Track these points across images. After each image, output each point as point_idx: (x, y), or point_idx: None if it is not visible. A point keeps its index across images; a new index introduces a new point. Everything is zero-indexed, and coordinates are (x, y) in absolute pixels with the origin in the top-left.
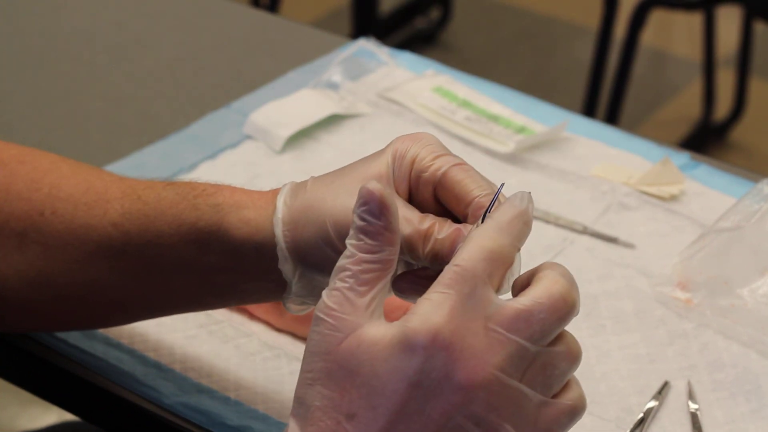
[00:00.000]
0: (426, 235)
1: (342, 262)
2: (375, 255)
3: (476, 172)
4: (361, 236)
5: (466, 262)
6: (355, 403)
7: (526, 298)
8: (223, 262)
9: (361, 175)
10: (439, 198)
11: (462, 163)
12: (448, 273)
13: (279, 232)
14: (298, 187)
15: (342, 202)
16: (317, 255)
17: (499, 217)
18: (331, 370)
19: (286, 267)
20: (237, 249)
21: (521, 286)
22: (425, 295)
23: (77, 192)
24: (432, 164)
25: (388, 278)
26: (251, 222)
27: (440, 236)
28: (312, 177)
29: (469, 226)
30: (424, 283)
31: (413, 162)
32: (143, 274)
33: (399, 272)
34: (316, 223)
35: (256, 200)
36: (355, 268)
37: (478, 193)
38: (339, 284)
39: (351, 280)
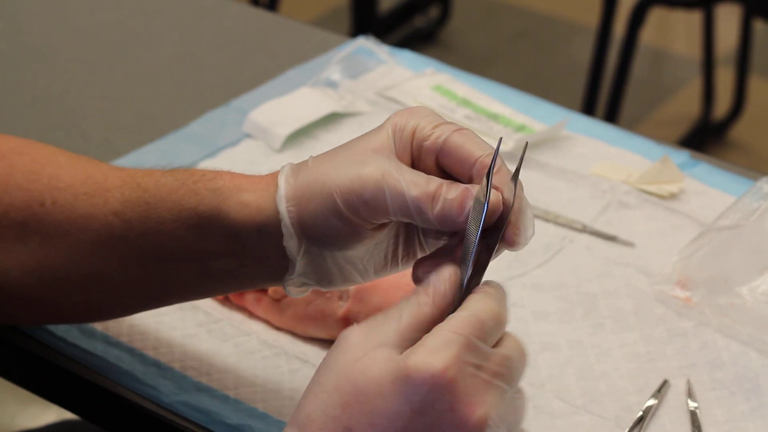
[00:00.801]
0: (434, 196)
1: (400, 307)
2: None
3: (476, 135)
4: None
5: (480, 313)
6: (355, 418)
7: (508, 349)
8: (224, 247)
9: (363, 148)
10: (442, 165)
11: (461, 129)
12: (461, 319)
13: (283, 208)
14: (299, 166)
15: (347, 172)
16: (324, 227)
17: (496, 294)
18: (339, 384)
19: (291, 243)
20: (238, 232)
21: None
22: (440, 331)
23: (76, 182)
24: (432, 133)
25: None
26: (251, 204)
27: (450, 196)
28: (311, 156)
29: (476, 187)
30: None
31: (414, 133)
32: (144, 262)
33: (401, 238)
34: (321, 195)
35: (256, 183)
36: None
37: (480, 154)
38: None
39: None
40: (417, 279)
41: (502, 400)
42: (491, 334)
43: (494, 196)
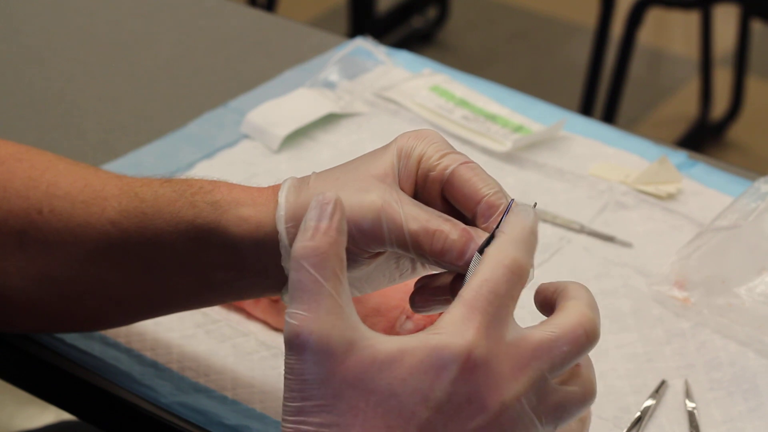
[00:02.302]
0: (434, 234)
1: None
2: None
3: (483, 170)
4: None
5: (489, 283)
6: (369, 422)
7: (552, 327)
8: (222, 259)
9: (366, 173)
10: (446, 197)
11: (469, 162)
12: (471, 291)
13: (282, 228)
14: (301, 183)
15: (347, 199)
16: None
17: (513, 232)
18: (339, 392)
19: (289, 264)
20: (236, 246)
21: (544, 302)
22: (449, 313)
23: (74, 190)
24: (439, 163)
25: (344, 283)
26: (250, 219)
27: (453, 237)
28: (314, 173)
29: (479, 230)
30: (438, 299)
31: (420, 161)
32: (143, 272)
33: (400, 259)
34: None
35: (256, 197)
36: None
37: (486, 192)
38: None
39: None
40: (414, 307)
41: (539, 388)
42: (513, 295)
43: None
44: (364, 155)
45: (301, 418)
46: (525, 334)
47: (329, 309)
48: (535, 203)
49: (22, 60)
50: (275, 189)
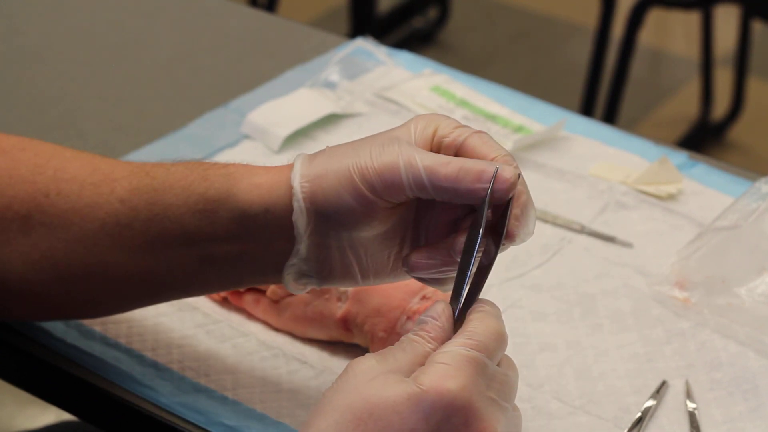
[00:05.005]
0: (449, 162)
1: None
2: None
3: (495, 140)
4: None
5: (486, 333)
6: None
7: (507, 368)
8: (227, 231)
9: (383, 139)
10: None
11: (481, 132)
12: (470, 338)
13: (297, 184)
14: (315, 154)
15: (365, 152)
16: (336, 203)
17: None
18: (352, 402)
19: (300, 220)
20: (245, 212)
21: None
22: (450, 352)
23: (83, 173)
24: (453, 132)
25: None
26: (264, 185)
27: (467, 165)
28: (328, 146)
29: (494, 166)
30: (437, 260)
31: (435, 131)
32: (147, 250)
33: (407, 241)
34: (338, 171)
35: (269, 168)
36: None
37: (495, 155)
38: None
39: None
40: (412, 268)
41: (506, 418)
42: (496, 353)
43: (509, 172)
44: (378, 132)
45: (326, 412)
46: (500, 378)
47: (398, 369)
48: (518, 169)
49: (22, 60)
50: (289, 164)
